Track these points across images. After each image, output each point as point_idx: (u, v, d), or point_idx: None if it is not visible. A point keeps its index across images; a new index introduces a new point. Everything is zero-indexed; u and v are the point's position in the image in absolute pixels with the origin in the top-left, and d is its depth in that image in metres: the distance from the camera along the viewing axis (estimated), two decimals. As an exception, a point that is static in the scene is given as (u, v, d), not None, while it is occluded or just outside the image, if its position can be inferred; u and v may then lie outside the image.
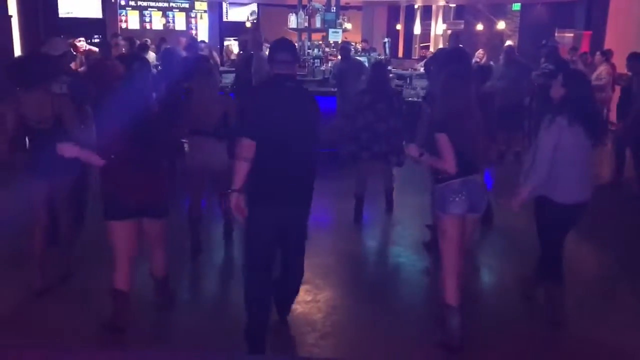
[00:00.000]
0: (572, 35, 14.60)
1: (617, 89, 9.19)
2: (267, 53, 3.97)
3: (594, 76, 9.64)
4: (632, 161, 7.39)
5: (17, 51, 12.02)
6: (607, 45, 11.92)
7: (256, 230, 3.51)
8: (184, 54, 7.87)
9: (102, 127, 3.69)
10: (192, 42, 8.40)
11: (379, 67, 6.28)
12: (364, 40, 14.86)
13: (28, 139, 4.21)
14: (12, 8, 12.40)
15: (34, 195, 4.24)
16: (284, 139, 3.40)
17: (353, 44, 11.99)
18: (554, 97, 3.80)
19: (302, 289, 4.41)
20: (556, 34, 13.87)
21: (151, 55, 10.28)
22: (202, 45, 10.75)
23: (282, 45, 3.54)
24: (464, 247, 3.67)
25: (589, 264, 5.36)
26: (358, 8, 18.87)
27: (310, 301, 4.31)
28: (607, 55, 10.17)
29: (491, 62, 9.45)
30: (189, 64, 5.73)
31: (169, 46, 9.50)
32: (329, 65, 9.87)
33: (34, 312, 4.10)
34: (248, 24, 15.94)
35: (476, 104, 3.63)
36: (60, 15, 13.60)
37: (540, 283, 4.15)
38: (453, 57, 4.98)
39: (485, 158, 3.74)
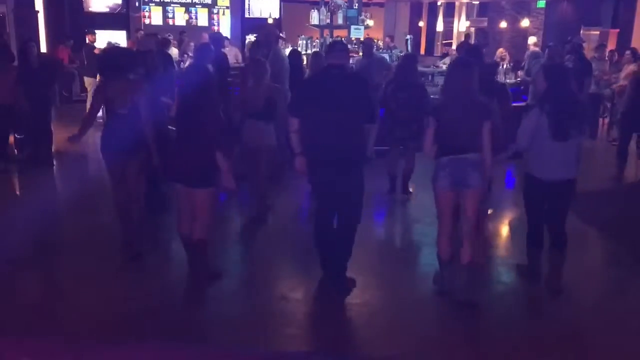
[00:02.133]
0: (598, 32, 14.39)
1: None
2: (282, 47, 4.86)
3: (622, 75, 9.49)
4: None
5: (43, 45, 12.20)
6: (634, 43, 11.71)
7: (313, 187, 4.40)
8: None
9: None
10: (218, 39, 8.53)
11: (407, 58, 6.79)
12: (388, 36, 14.77)
13: (105, 122, 4.80)
14: (39, 3, 12.59)
15: (110, 172, 4.76)
16: (328, 115, 4.09)
17: (375, 40, 11.93)
18: (538, 90, 4.30)
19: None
20: (582, 32, 13.68)
21: (174, 51, 10.37)
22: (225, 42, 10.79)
23: (332, 44, 4.49)
24: (467, 214, 4.08)
25: (597, 257, 5.37)
26: (380, 5, 18.78)
27: (355, 304, 4.31)
28: (636, 53, 9.98)
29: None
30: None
31: (206, 41, 9.59)
32: (351, 61, 9.83)
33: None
34: (270, 20, 15.96)
35: (474, 92, 4.00)
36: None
37: (528, 251, 4.52)
38: (469, 50, 5.64)
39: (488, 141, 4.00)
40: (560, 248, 4.37)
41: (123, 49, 5.60)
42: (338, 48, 4.38)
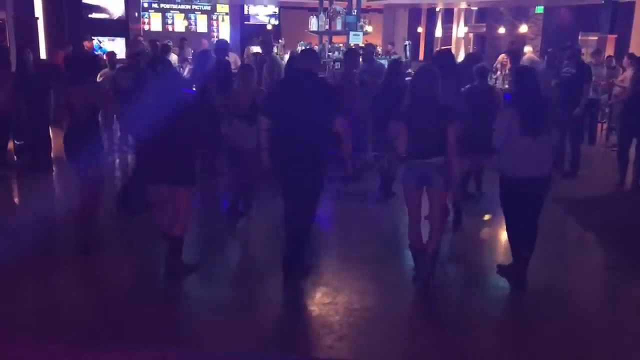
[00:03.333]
0: (596, 38, 14.41)
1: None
2: (281, 54, 5.11)
3: (619, 79, 9.50)
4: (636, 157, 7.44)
5: (43, 52, 12.22)
6: (632, 48, 11.74)
7: (278, 182, 4.71)
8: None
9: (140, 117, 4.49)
10: (223, 47, 8.58)
11: (392, 64, 7.03)
12: (390, 43, 14.80)
13: (67, 125, 4.95)
14: (38, 9, 12.60)
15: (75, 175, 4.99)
16: (293, 115, 4.44)
17: (376, 46, 11.96)
18: (511, 91, 4.63)
19: (320, 291, 4.46)
20: (580, 37, 13.71)
21: (173, 57, 10.38)
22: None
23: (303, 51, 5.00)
24: (432, 211, 4.43)
25: (596, 262, 5.35)
26: (379, 11, 18.84)
27: (328, 303, 4.30)
28: (635, 59, 9.99)
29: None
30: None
31: (205, 47, 9.68)
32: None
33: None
34: (269, 27, 16.01)
35: (437, 97, 4.28)
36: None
37: (513, 251, 4.68)
38: (437, 56, 6.36)
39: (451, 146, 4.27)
40: (531, 245, 4.58)
41: (87, 53, 5.80)
42: (307, 55, 4.91)
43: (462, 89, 6.14)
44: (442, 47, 8.31)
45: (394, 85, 6.41)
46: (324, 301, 4.34)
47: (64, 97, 4.90)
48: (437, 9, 18.18)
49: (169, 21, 15.95)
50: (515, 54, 9.46)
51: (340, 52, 10.37)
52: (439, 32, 18.45)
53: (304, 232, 4.73)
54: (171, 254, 4.60)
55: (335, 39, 11.28)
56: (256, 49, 9.94)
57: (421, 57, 19.15)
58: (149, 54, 9.07)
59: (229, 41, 14.72)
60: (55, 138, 7.87)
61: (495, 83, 9.65)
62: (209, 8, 16.44)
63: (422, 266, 4.48)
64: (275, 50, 9.53)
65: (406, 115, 4.38)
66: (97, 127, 5.03)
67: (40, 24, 12.60)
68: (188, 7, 16.16)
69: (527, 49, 11.55)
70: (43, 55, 12.10)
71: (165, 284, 4.65)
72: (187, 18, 16.19)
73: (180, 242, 4.60)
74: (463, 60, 7.54)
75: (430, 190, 4.37)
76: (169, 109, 4.32)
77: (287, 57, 8.72)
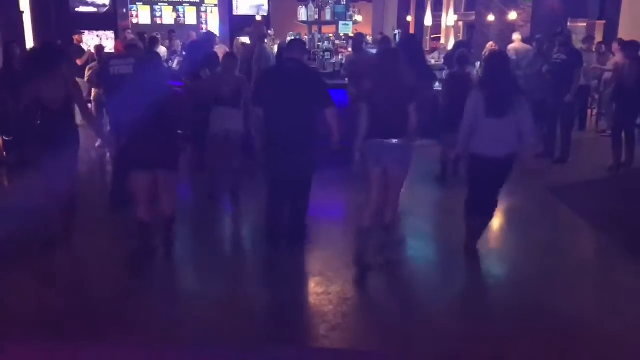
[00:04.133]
0: (585, 24, 14.43)
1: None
2: (271, 45, 5.21)
3: (609, 64, 9.52)
4: (625, 142, 7.52)
5: (30, 45, 12.09)
6: (621, 34, 11.76)
7: (269, 168, 4.89)
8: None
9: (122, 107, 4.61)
10: (209, 39, 8.55)
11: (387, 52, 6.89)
12: (379, 34, 14.74)
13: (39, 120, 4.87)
14: (25, 3, 12.46)
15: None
16: (283, 104, 4.61)
17: (365, 35, 11.92)
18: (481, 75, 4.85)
19: (314, 281, 4.47)
20: (569, 24, 13.72)
21: (162, 50, 10.32)
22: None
23: (291, 41, 5.22)
24: (391, 188, 4.61)
25: (588, 248, 5.46)
26: (368, 0, 18.76)
27: (321, 293, 4.31)
28: (624, 44, 10.02)
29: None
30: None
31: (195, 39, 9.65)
32: (340, 57, 9.81)
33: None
34: (258, 18, 15.91)
35: (399, 77, 4.47)
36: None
37: (467, 217, 4.90)
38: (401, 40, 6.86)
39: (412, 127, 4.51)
40: (489, 215, 4.90)
41: (51, 46, 5.68)
42: (295, 45, 5.05)
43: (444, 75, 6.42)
44: (434, 36, 8.32)
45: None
46: (317, 291, 4.35)
47: (32, 92, 4.78)
48: (427, -2, 18.12)
49: (158, 14, 15.80)
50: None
51: (330, 42, 10.34)
52: (428, 21, 18.39)
53: (301, 220, 4.98)
54: (167, 234, 4.81)
55: (324, 29, 11.23)
56: (245, 39, 9.88)
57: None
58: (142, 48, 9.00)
59: (218, 33, 14.73)
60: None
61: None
62: (197, 0, 16.31)
63: (365, 244, 4.61)
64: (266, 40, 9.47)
65: (369, 95, 4.54)
66: (71, 120, 4.98)
67: (27, 18, 12.47)
68: (176, -1, 16.03)
69: (516, 36, 11.53)
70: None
71: (153, 278, 4.66)
72: (175, 10, 16.04)
73: (173, 221, 4.81)
74: (452, 49, 7.58)
75: (390, 169, 4.51)
76: (153, 99, 4.37)
77: (276, 47, 8.69)
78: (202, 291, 4.49)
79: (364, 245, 4.62)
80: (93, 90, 8.65)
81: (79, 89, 5.15)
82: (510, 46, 11.04)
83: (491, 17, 14.69)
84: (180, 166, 4.85)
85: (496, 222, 5.98)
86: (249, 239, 5.63)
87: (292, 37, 10.34)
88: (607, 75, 9.11)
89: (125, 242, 4.93)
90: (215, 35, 10.50)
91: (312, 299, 4.28)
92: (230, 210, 6.21)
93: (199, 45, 7.45)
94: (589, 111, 10.78)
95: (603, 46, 11.09)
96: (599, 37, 12.82)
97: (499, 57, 5.11)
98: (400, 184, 4.68)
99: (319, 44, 10.27)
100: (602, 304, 4.28)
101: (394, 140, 4.47)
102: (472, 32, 8.79)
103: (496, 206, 4.89)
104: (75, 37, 11.32)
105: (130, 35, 10.40)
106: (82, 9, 14.14)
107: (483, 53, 10.81)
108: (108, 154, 7.79)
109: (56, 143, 4.75)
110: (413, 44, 6.51)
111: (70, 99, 4.88)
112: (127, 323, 3.88)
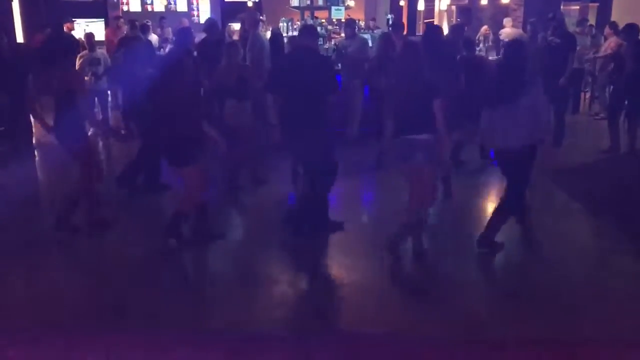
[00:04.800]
0: (578, 7, 14.40)
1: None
2: (263, 31, 5.06)
3: (602, 48, 9.52)
4: (626, 126, 7.54)
5: (19, 34, 11.97)
6: (614, 17, 11.75)
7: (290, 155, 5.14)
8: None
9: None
10: (213, 25, 8.45)
11: (384, 38, 7.08)
12: (371, 19, 14.66)
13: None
14: (13, -9, 12.32)
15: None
16: (298, 91, 4.69)
17: (357, 21, 11.84)
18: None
19: (311, 267, 4.46)
20: (562, 7, 13.66)
21: (153, 37, 10.23)
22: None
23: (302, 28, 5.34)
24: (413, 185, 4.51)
25: (583, 231, 5.47)
26: (361, -15, 18.61)
27: (318, 279, 4.32)
28: (616, 28, 10.02)
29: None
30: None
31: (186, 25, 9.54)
32: (332, 43, 9.76)
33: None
34: (250, 4, 15.77)
35: (422, 72, 4.33)
36: None
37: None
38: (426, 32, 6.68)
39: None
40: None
41: (65, 36, 5.88)
42: (307, 32, 5.09)
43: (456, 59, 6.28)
44: (427, 21, 8.29)
45: (388, 58, 6.46)
46: (315, 277, 4.35)
47: (45, 82, 4.88)
48: (419, -18, 17.98)
49: (148, 1, 15.63)
50: None
51: (323, 28, 10.26)
52: (421, 5, 18.23)
53: (323, 204, 5.01)
54: (200, 223, 4.89)
55: (317, 14, 11.16)
56: (236, 26, 9.78)
57: (404, 31, 18.96)
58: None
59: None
60: (37, 124, 7.72)
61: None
62: (188, -13, 16.14)
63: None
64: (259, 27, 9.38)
65: (392, 91, 4.44)
66: (81, 107, 4.98)
67: (15, 6, 12.33)
68: (167, -15, 15.85)
69: (507, 21, 11.50)
70: (20, 38, 11.87)
71: (161, 266, 4.64)
72: (166, -3, 15.88)
73: (204, 212, 4.89)
74: (448, 33, 7.50)
75: (412, 166, 4.38)
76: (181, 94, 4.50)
77: (269, 34, 8.60)
78: (210, 280, 4.50)
79: (401, 237, 4.58)
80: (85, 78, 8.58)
81: (83, 80, 5.38)
82: (502, 31, 11.02)
83: (484, 1, 14.64)
84: (203, 158, 4.78)
85: (490, 206, 5.98)
86: (267, 226, 5.48)
87: (285, 23, 10.30)
88: (601, 60, 9.12)
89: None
90: (216, 23, 10.41)
91: (310, 285, 4.27)
92: (247, 197, 6.19)
93: (189, 31, 7.29)
94: (582, 94, 10.78)
95: (593, 29, 11.09)
96: (592, 20, 12.79)
97: (518, 44, 4.89)
98: (421, 182, 4.51)
99: (312, 29, 10.19)
100: (595, 286, 4.30)
101: (421, 136, 4.32)
102: (469, 15, 8.72)
103: (520, 204, 4.82)
104: (67, 25, 11.19)
105: (123, 25, 10.28)
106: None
107: (477, 37, 10.78)
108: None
109: (70, 128, 4.82)
110: (435, 36, 6.26)
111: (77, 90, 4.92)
112: (148, 311, 3.88)
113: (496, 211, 4.72)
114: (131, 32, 9.43)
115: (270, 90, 4.96)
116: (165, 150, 4.73)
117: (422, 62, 4.39)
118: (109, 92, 8.97)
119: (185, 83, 4.63)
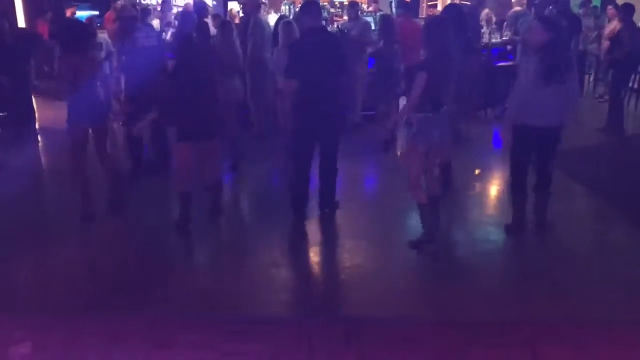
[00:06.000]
0: (582, -12, 14.23)
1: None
2: (265, 15, 5.24)
3: (607, 30, 9.43)
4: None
5: (21, 18, 11.93)
6: (619, -2, 11.63)
7: (298, 136, 4.87)
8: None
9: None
10: (202, 7, 8.41)
11: (385, 20, 7.52)
12: (374, 2, 14.55)
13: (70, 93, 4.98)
14: (14, -24, 12.24)
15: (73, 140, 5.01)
16: (317, 74, 4.62)
17: (360, 3, 11.76)
18: (537, 40, 4.38)
19: (313, 251, 4.49)
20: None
21: (155, 22, 10.16)
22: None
23: (307, 5, 4.98)
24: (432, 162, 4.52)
25: (583, 211, 5.49)
26: (363, -33, 18.45)
27: (321, 262, 4.35)
28: (619, 9, 9.93)
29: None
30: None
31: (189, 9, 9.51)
32: (335, 26, 9.71)
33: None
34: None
35: (451, 49, 4.27)
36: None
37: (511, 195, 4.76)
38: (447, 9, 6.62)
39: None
40: (547, 189, 4.70)
41: (82, 23, 5.96)
42: (314, 10, 4.86)
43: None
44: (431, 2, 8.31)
45: (392, 40, 6.49)
46: (316, 260, 4.38)
47: (65, 67, 4.95)
48: (422, -37, 17.82)
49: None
50: None
51: (325, 11, 10.21)
52: (424, -13, 18.13)
53: (333, 177, 5.03)
54: (215, 198, 5.05)
55: (319, -3, 11.08)
56: (238, 7, 9.75)
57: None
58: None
59: (211, 3, 14.50)
60: (40, 109, 7.75)
61: (482, 38, 9.54)
62: (189, -31, 16.02)
63: (434, 218, 4.49)
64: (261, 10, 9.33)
65: (426, 66, 4.23)
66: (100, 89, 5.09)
67: (17, -8, 12.26)
68: (168, -32, 15.71)
69: (515, 1, 11.38)
70: (22, 23, 11.83)
71: (165, 249, 4.68)
72: (167, -20, 15.77)
73: (221, 185, 5.15)
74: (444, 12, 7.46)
75: (439, 141, 4.36)
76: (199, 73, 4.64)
77: (271, 17, 8.57)
78: (212, 265, 4.54)
79: (430, 220, 4.47)
80: None
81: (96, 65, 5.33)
82: (512, 11, 10.87)
83: (488, -17, 14.48)
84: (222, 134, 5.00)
85: (493, 190, 6.03)
86: (270, 208, 5.49)
87: (288, 7, 10.25)
88: (606, 43, 9.06)
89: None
90: (207, 5, 10.34)
91: (312, 269, 4.30)
92: (241, 177, 6.30)
93: (191, 15, 7.31)
94: (586, 76, 10.72)
95: (598, 9, 10.98)
96: (596, 1, 12.66)
97: (560, 23, 4.84)
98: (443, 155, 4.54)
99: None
100: (596, 267, 4.32)
101: (442, 110, 4.30)
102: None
103: (551, 179, 4.73)
104: (69, 10, 11.16)
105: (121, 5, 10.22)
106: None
107: (480, 20, 10.68)
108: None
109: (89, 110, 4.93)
110: (457, 15, 6.19)
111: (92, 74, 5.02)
112: (157, 292, 3.94)
113: (542, 195, 4.71)
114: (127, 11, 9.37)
115: (290, 76, 4.78)
116: (195, 126, 4.67)
117: (450, 39, 4.33)
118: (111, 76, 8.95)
119: (211, 62, 4.93)
